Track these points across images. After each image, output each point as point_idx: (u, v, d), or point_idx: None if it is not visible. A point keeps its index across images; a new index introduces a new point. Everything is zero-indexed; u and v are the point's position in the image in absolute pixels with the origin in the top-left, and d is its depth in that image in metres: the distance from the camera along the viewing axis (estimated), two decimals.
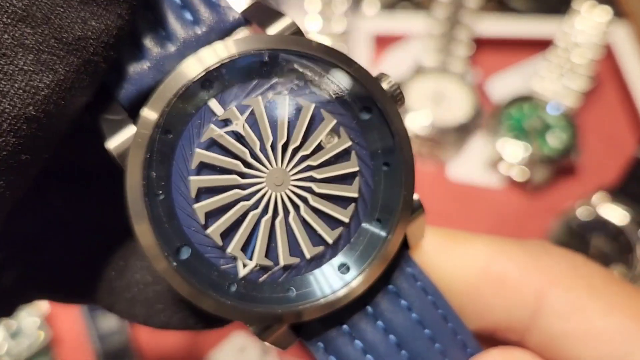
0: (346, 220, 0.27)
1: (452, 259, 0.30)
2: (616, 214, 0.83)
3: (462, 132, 0.93)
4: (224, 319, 0.27)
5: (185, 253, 0.26)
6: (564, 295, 0.29)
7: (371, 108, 0.27)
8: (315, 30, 0.98)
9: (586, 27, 0.96)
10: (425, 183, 0.95)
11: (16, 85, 0.21)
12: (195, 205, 0.25)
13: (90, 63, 0.23)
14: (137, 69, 0.25)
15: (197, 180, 0.25)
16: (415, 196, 0.28)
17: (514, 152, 0.91)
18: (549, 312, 0.29)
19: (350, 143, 0.27)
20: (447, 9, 0.99)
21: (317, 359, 0.28)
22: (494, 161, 0.93)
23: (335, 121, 0.27)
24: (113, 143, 0.24)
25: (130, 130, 0.25)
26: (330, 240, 0.27)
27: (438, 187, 0.94)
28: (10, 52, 0.21)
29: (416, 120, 0.92)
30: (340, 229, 0.27)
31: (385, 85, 0.27)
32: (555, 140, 0.92)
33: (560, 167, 0.92)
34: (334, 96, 0.27)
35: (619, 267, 0.81)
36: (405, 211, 0.27)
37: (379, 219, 0.28)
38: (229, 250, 0.26)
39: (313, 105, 0.26)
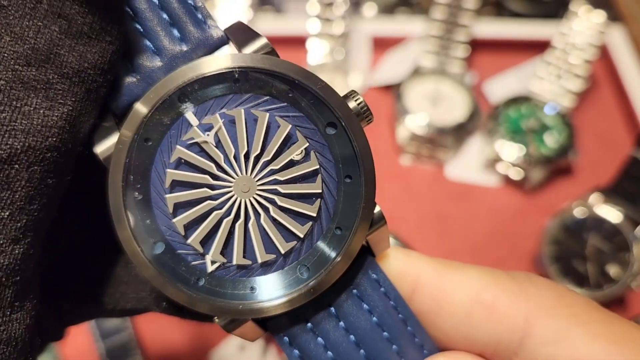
0: (301, 235, 0.29)
1: (447, 284, 0.32)
2: (612, 214, 0.84)
3: (461, 132, 0.94)
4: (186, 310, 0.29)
5: (159, 248, 0.28)
6: (551, 322, 0.30)
7: (336, 124, 0.29)
8: (315, 32, 0.99)
9: (584, 28, 0.97)
10: (424, 182, 0.96)
11: (34, 122, 0.24)
12: (167, 196, 0.28)
13: (92, 90, 0.26)
14: (127, 81, 0.28)
15: (172, 173, 0.28)
16: (377, 208, 0.30)
17: (512, 152, 0.92)
18: (536, 339, 0.30)
19: (317, 166, 0.29)
20: (446, 11, 1.00)
21: (283, 350, 0.31)
22: (492, 161, 0.94)
23: (307, 144, 0.29)
24: (100, 148, 0.27)
25: (116, 137, 0.27)
26: (282, 251, 0.29)
27: (437, 187, 0.95)
28: (22, 94, 0.23)
29: (415, 121, 0.93)
30: (294, 243, 0.29)
31: (352, 103, 0.29)
32: (552, 140, 0.93)
33: (557, 167, 0.94)
34: (301, 111, 0.29)
35: (615, 266, 0.82)
36: (364, 222, 0.29)
37: (339, 227, 0.30)
38: (189, 241, 0.28)
39: (290, 126, 0.28)
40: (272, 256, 0.29)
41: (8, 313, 0.25)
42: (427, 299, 0.32)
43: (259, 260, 0.29)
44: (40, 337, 0.31)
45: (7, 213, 0.24)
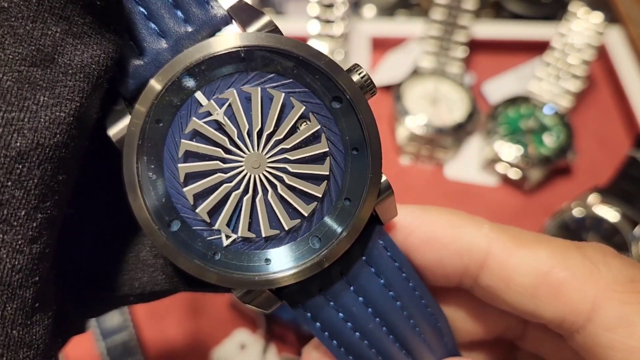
0: (305, 214, 0.30)
1: (515, 264, 0.33)
2: (610, 214, 0.84)
3: (460, 132, 0.94)
4: (208, 284, 0.30)
5: (175, 226, 0.29)
6: (616, 308, 0.30)
7: (341, 98, 0.29)
8: (315, 32, 1.00)
9: (582, 29, 0.97)
10: (423, 182, 0.96)
11: (42, 120, 0.24)
12: (185, 189, 0.29)
13: (97, 85, 0.26)
14: (135, 64, 0.28)
15: (185, 167, 0.29)
16: (384, 178, 0.30)
17: (511, 152, 0.92)
18: (599, 322, 0.30)
19: (319, 126, 0.29)
20: (445, 12, 1.01)
21: (298, 316, 0.32)
22: (491, 161, 0.95)
23: (304, 107, 0.29)
24: (112, 131, 0.28)
25: (127, 120, 0.28)
26: (305, 213, 0.30)
27: (436, 187, 0.96)
28: (29, 94, 0.24)
29: (414, 121, 0.93)
30: (314, 204, 0.30)
31: (355, 77, 0.29)
32: (551, 140, 0.94)
33: (556, 167, 0.94)
34: (306, 87, 0.29)
35: None
36: (372, 191, 0.30)
37: (348, 198, 0.30)
38: (216, 226, 0.29)
39: (283, 95, 0.29)
40: (276, 232, 0.30)
41: (29, 315, 0.25)
42: (494, 277, 0.33)
43: (263, 235, 0.30)
44: (62, 333, 0.31)
45: (23, 212, 0.24)
